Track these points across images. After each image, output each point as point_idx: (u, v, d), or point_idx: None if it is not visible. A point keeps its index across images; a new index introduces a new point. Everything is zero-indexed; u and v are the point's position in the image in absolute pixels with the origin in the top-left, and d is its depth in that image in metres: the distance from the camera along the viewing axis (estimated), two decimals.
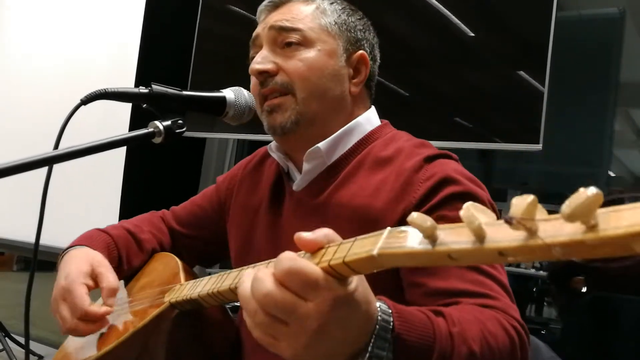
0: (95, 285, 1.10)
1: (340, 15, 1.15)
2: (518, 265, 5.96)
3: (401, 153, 1.09)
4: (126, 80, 2.76)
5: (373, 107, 1.21)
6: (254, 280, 0.63)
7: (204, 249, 1.37)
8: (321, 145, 1.10)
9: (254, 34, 1.16)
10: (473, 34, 2.10)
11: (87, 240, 1.21)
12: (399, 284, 0.99)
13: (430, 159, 1.05)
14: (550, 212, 0.45)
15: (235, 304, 1.78)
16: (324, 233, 0.65)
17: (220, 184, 1.35)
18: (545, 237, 0.44)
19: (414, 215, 0.53)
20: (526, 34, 2.01)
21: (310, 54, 1.10)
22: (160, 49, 2.89)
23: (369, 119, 1.17)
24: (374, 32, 1.22)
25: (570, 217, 0.42)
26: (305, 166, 1.12)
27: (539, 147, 1.86)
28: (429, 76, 2.17)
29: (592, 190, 0.41)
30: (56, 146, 0.94)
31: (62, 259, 1.17)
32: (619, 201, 0.42)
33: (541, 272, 5.57)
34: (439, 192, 1.00)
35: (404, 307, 0.72)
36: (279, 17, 1.12)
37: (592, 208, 0.41)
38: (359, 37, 1.16)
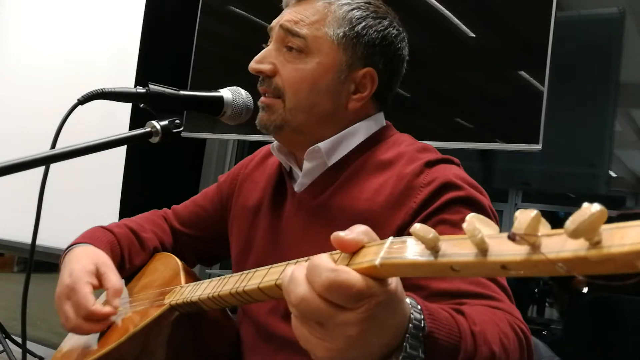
0: (99, 285, 1.11)
1: (354, 27, 1.09)
2: None
3: (403, 157, 1.08)
4: (126, 80, 2.76)
5: (381, 112, 1.19)
6: (290, 281, 0.60)
7: (205, 248, 1.37)
8: (321, 145, 1.10)
9: (273, 22, 1.14)
10: (473, 35, 2.10)
11: (91, 238, 1.22)
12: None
13: (431, 164, 1.05)
14: (552, 223, 0.45)
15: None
16: (363, 231, 0.62)
17: (222, 183, 1.36)
18: (549, 253, 0.44)
19: (417, 227, 0.53)
20: (526, 34, 2.00)
21: (307, 65, 1.08)
22: (160, 49, 2.89)
23: (374, 122, 1.16)
24: (402, 43, 1.15)
25: (574, 234, 0.41)
26: (306, 165, 1.12)
27: (539, 147, 1.86)
28: (429, 77, 2.17)
29: (596, 207, 0.41)
30: (53, 145, 0.94)
31: (66, 256, 1.17)
32: (627, 217, 0.42)
33: None
34: (439, 197, 0.99)
35: (431, 305, 0.70)
36: (292, 16, 1.10)
37: (596, 225, 0.41)
38: (370, 52, 1.10)
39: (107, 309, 1.06)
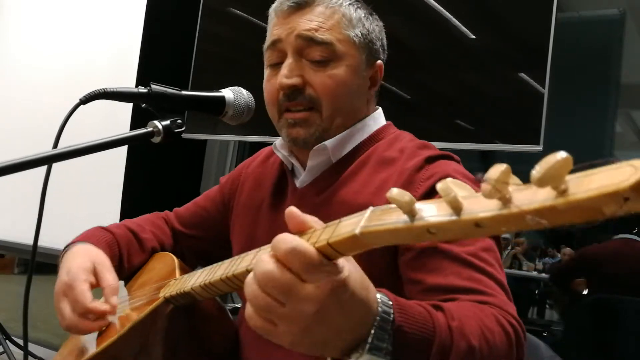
0: (96, 283, 1.11)
1: (364, 25, 1.13)
2: (520, 268, 5.95)
3: (404, 153, 1.09)
4: (127, 81, 2.77)
5: (380, 108, 1.22)
6: (256, 261, 0.62)
7: (207, 250, 1.38)
8: (328, 143, 1.11)
9: (275, 36, 1.12)
10: (474, 36, 2.10)
11: (89, 237, 1.22)
12: (398, 281, 0.99)
13: (431, 160, 1.06)
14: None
15: (236, 305, 1.78)
16: (315, 219, 0.65)
17: (224, 184, 1.36)
18: (520, 206, 0.44)
19: (393, 191, 0.53)
20: (526, 35, 2.01)
21: (339, 70, 1.09)
22: (161, 50, 2.90)
23: (376, 119, 1.18)
24: (383, 29, 1.21)
25: (540, 182, 0.42)
26: (311, 162, 1.13)
27: (540, 148, 1.86)
28: (430, 78, 2.18)
29: (561, 154, 0.42)
30: (55, 145, 0.94)
31: (64, 255, 1.17)
32: (596, 166, 0.43)
33: (543, 275, 5.56)
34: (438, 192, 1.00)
35: (404, 300, 0.71)
36: (306, 24, 1.09)
37: (562, 172, 0.41)
38: (377, 47, 1.16)
39: (104, 306, 1.05)
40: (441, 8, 2.13)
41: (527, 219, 0.44)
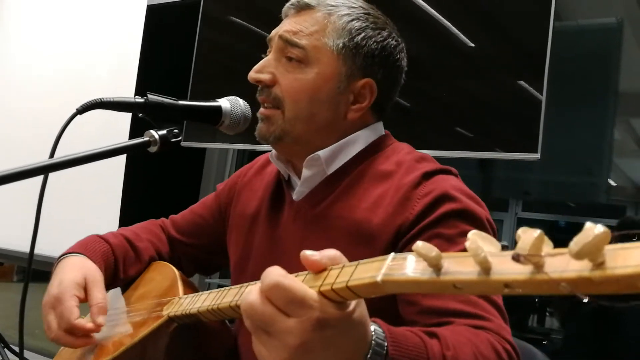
0: (85, 298, 1.10)
1: (353, 38, 1.09)
2: None
3: (401, 167, 1.08)
4: (126, 90, 2.77)
5: (380, 122, 1.19)
6: (246, 292, 0.64)
7: (203, 257, 1.37)
8: (321, 153, 1.10)
9: (272, 33, 1.14)
10: (472, 44, 2.11)
11: (85, 248, 1.21)
12: (393, 300, 0.98)
13: (428, 175, 1.05)
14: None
15: None
16: (329, 255, 0.65)
17: (220, 192, 1.36)
18: (552, 273, 0.44)
19: (419, 245, 0.53)
20: (525, 43, 2.01)
21: (307, 75, 1.08)
22: (160, 59, 2.90)
23: (372, 131, 1.16)
24: (401, 54, 1.16)
25: (578, 255, 0.42)
26: (305, 173, 1.12)
27: (537, 156, 1.86)
28: (429, 86, 2.18)
29: (599, 228, 0.41)
30: (52, 155, 0.94)
31: (58, 264, 1.17)
32: (629, 237, 0.43)
33: None
34: (436, 209, 0.99)
35: (398, 330, 0.71)
36: (291, 26, 1.10)
37: (600, 247, 0.41)
38: (370, 63, 1.10)
39: (89, 325, 1.05)
40: (440, 16, 2.14)
41: (561, 286, 0.44)
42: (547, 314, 6.04)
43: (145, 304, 1.14)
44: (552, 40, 1.87)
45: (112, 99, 0.97)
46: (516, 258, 0.46)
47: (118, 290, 1.20)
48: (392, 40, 1.13)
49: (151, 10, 2.92)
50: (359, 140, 1.14)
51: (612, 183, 6.09)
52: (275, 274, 0.62)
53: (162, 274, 1.23)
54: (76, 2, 3.20)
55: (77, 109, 0.95)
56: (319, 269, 0.64)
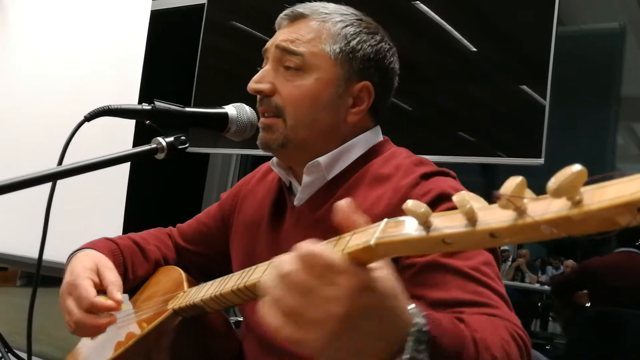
0: (99, 283, 1.11)
1: (349, 42, 1.11)
2: (522, 280, 5.94)
3: (399, 170, 1.09)
4: (130, 97, 2.78)
5: (378, 126, 1.20)
6: (274, 266, 0.61)
7: (209, 266, 1.38)
8: (321, 159, 1.11)
9: (267, 44, 1.16)
10: (475, 49, 2.11)
11: (94, 245, 1.24)
12: None
13: (427, 176, 1.06)
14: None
15: (238, 318, 1.78)
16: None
17: (224, 201, 1.37)
18: (534, 216, 0.45)
19: (409, 203, 0.53)
20: (527, 48, 2.02)
21: (306, 81, 1.10)
22: (163, 65, 2.91)
23: (371, 136, 1.17)
24: (394, 57, 1.18)
25: (556, 192, 0.43)
26: (305, 179, 1.13)
27: (541, 161, 1.86)
28: (431, 91, 2.18)
29: (576, 167, 0.43)
30: (60, 162, 0.95)
31: (69, 261, 1.19)
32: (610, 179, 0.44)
33: (546, 287, 5.55)
34: (434, 208, 1.00)
35: (432, 312, 0.69)
36: (287, 35, 1.12)
37: (577, 184, 0.43)
38: (366, 66, 1.13)
39: (108, 301, 1.06)
40: (442, 21, 2.15)
41: (542, 228, 0.45)
42: (550, 318, 6.04)
43: (152, 303, 1.15)
44: (555, 45, 1.88)
45: (119, 106, 0.98)
46: (497, 196, 0.47)
47: (125, 296, 1.21)
48: (385, 44, 1.17)
49: (155, 15, 2.93)
50: (359, 145, 1.15)
51: None
52: (309, 244, 0.60)
53: (168, 276, 1.24)
54: (80, 8, 3.22)
55: (84, 117, 0.96)
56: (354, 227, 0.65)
